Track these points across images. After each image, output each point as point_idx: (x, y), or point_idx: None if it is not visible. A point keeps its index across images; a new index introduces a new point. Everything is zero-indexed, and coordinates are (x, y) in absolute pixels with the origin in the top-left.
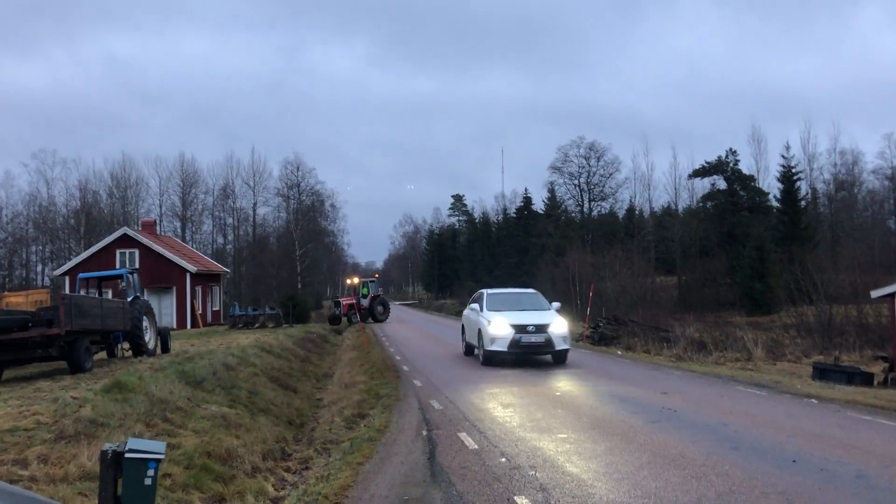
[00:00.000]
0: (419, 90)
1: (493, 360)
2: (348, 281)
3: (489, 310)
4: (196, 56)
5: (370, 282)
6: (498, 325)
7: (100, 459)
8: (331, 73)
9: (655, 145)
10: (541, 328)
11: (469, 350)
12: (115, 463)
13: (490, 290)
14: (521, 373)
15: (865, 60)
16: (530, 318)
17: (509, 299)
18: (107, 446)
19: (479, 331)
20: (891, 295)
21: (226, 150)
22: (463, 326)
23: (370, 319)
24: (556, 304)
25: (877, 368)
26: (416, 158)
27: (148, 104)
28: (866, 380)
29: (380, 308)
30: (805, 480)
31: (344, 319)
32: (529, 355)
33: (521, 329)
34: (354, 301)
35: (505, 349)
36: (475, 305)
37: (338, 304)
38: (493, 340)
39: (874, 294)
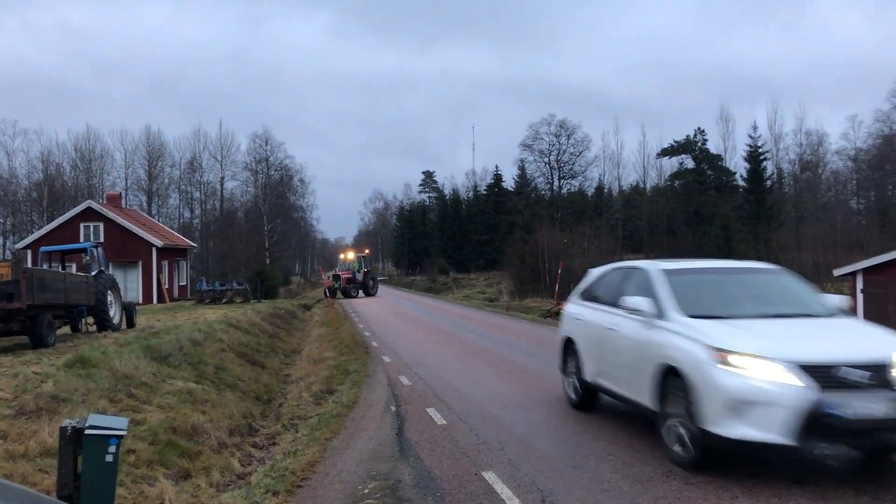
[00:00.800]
0: (385, 64)
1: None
2: (342, 256)
3: (690, 314)
4: (154, 25)
5: (362, 257)
6: (761, 365)
7: (59, 436)
8: (294, 45)
9: (625, 124)
10: (881, 371)
11: (587, 398)
12: (74, 439)
13: (668, 265)
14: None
15: (827, 41)
16: (840, 340)
17: (728, 287)
18: (66, 422)
19: (670, 371)
20: (852, 273)
21: (191, 124)
22: (569, 344)
23: (361, 293)
24: (836, 298)
25: None
26: (384, 134)
27: (106, 75)
28: None
29: (370, 282)
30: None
31: (339, 293)
32: (861, 448)
33: (829, 377)
34: (351, 275)
35: (786, 439)
36: (637, 301)
37: (338, 277)
38: (743, 407)
39: (837, 273)
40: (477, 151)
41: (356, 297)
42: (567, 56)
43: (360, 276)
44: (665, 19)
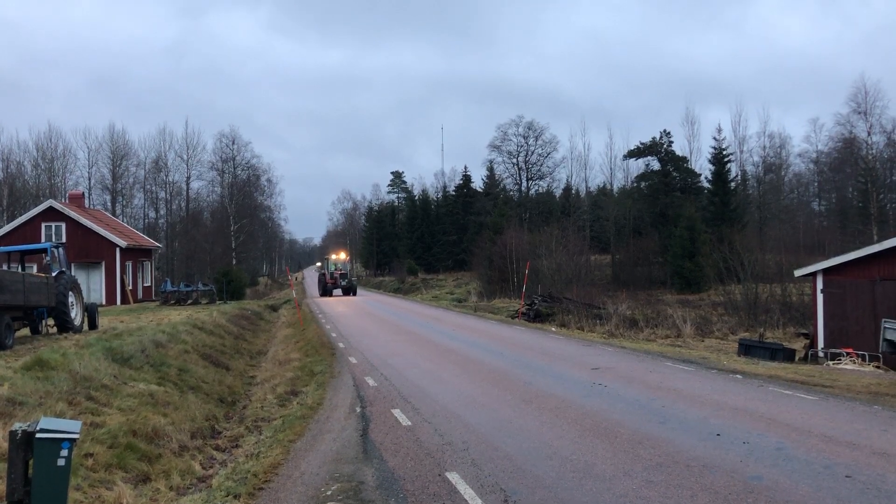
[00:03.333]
0: (330, 61)
1: None
2: (334, 256)
3: None
4: (84, 18)
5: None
6: None
7: (8, 440)
8: (235, 41)
9: (592, 126)
10: None
11: None
12: (25, 443)
13: None
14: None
15: (785, 45)
16: None
17: None
18: (16, 426)
19: None
20: (813, 274)
21: (136, 120)
22: None
23: (340, 291)
24: None
25: (799, 345)
26: (341, 133)
27: (42, 69)
28: (788, 356)
29: (354, 282)
30: (727, 453)
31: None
32: None
33: None
34: (345, 273)
35: None
36: None
37: (345, 276)
38: None
39: (797, 273)
40: (434, 151)
41: (354, 296)
42: (515, 55)
43: (350, 275)
44: (611, 20)
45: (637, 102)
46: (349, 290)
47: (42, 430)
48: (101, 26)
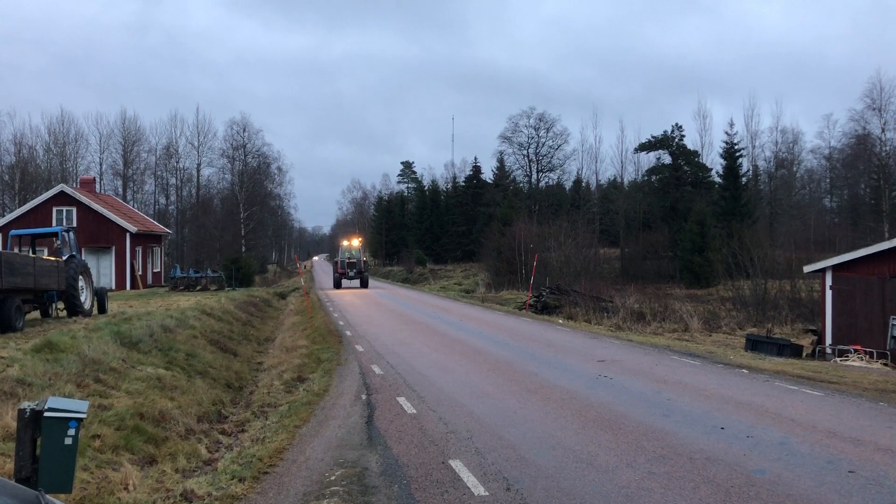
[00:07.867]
0: (297, 44)
1: None
2: (346, 243)
3: None
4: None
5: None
6: None
7: (17, 419)
8: (194, 22)
9: (603, 119)
10: None
11: None
12: (33, 422)
13: None
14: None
15: (756, 32)
16: None
17: None
18: (25, 405)
19: None
20: (822, 270)
21: (111, 104)
22: None
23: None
24: None
25: (806, 341)
26: (329, 121)
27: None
28: (796, 351)
29: (366, 272)
30: (731, 447)
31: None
32: None
33: None
34: (356, 262)
35: None
36: None
37: (354, 264)
38: None
39: (807, 269)
40: (424, 140)
41: (365, 287)
42: (492, 44)
43: (362, 265)
44: (579, 7)
45: (623, 91)
46: (360, 281)
47: (50, 409)
48: (60, 4)
